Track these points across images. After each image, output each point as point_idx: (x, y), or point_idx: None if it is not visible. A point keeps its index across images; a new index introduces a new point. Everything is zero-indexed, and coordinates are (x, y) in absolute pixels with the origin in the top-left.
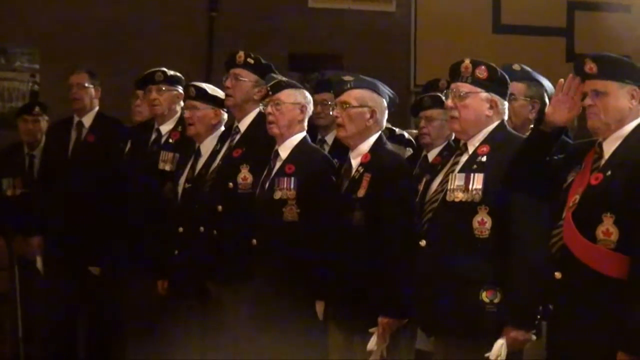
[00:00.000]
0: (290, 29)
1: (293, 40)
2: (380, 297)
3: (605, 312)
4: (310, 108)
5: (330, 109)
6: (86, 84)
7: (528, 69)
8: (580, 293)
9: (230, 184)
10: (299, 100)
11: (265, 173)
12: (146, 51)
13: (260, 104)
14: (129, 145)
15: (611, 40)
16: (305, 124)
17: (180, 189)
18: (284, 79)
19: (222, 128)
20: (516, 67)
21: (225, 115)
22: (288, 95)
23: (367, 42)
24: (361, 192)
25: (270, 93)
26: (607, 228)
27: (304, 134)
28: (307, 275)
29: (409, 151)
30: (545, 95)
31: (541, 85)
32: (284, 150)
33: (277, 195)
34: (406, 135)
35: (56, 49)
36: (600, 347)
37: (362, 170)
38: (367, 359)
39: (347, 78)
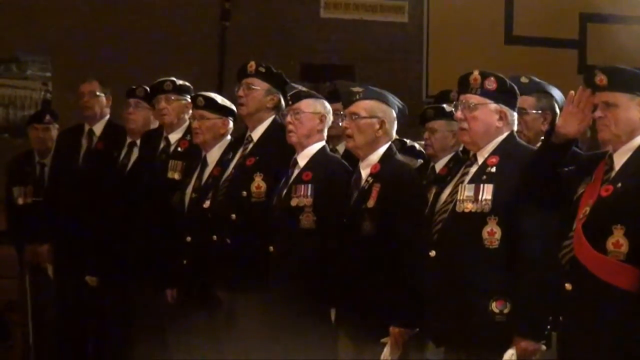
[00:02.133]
0: (302, 40)
1: (305, 50)
2: (391, 307)
3: (615, 323)
4: (330, 118)
5: (340, 119)
6: (97, 93)
7: (537, 80)
8: (590, 304)
9: (244, 192)
10: (319, 109)
11: (283, 180)
12: (157, 61)
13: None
14: (136, 153)
15: (623, 53)
16: (325, 133)
17: (187, 199)
18: (304, 88)
19: (229, 137)
20: (524, 79)
21: (232, 125)
22: (308, 105)
23: (379, 53)
24: (371, 203)
25: (290, 102)
26: (618, 240)
27: (323, 143)
28: (320, 283)
29: (420, 162)
30: (556, 105)
31: (551, 96)
32: (303, 158)
33: (294, 202)
34: (417, 146)
35: (68, 58)
36: (610, 359)
37: (371, 181)
38: None
39: (356, 89)
